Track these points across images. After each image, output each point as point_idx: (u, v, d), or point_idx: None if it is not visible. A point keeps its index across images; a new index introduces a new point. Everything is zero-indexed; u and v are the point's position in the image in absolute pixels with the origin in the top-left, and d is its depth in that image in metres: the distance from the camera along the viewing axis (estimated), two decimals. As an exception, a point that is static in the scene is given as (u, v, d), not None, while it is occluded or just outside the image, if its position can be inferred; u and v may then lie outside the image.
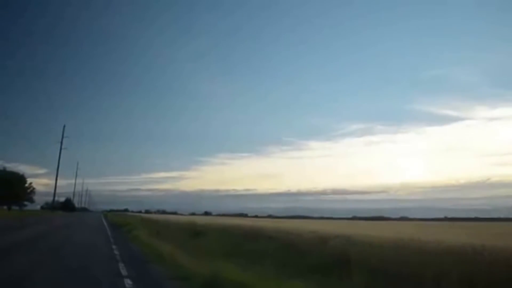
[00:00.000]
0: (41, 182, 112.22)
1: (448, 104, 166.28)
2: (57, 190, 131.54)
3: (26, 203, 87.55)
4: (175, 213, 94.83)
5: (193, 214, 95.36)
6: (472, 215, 76.79)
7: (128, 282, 6.97)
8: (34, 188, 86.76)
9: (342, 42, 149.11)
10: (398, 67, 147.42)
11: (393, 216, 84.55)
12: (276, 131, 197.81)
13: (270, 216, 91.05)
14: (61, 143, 66.17)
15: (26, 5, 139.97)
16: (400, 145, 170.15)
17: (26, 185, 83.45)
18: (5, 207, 75.04)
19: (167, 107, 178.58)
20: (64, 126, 68.54)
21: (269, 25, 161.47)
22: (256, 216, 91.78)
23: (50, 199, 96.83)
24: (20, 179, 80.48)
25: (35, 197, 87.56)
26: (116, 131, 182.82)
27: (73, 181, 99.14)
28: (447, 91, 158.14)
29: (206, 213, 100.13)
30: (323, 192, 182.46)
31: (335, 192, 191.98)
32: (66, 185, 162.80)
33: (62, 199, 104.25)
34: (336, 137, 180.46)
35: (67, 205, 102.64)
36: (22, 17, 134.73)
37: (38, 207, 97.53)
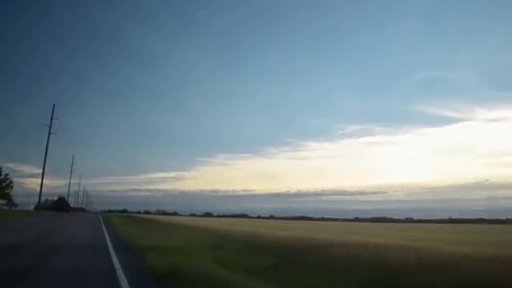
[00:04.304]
0: (39, 182, 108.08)
1: (447, 105, 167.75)
2: (54, 191, 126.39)
3: (16, 203, 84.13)
4: (175, 213, 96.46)
5: (193, 215, 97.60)
6: (474, 217, 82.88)
7: None
8: (11, 182, 72.47)
9: (342, 43, 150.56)
10: (397, 68, 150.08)
11: (396, 217, 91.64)
12: (276, 131, 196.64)
13: (272, 217, 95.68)
14: (50, 126, 56.60)
15: (23, 4, 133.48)
16: (399, 146, 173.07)
17: (1, 177, 68.64)
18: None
19: (166, 106, 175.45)
20: (54, 106, 58.43)
21: (268, 25, 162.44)
22: (258, 217, 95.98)
23: (46, 198, 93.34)
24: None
25: (32, 197, 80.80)
26: (115, 131, 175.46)
27: (72, 181, 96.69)
28: (447, 93, 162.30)
29: (207, 214, 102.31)
30: (323, 193, 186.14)
31: (334, 192, 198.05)
32: (63, 185, 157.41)
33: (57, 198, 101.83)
34: (336, 138, 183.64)
35: (60, 205, 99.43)
36: (18, 17, 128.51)
37: (32, 206, 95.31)
